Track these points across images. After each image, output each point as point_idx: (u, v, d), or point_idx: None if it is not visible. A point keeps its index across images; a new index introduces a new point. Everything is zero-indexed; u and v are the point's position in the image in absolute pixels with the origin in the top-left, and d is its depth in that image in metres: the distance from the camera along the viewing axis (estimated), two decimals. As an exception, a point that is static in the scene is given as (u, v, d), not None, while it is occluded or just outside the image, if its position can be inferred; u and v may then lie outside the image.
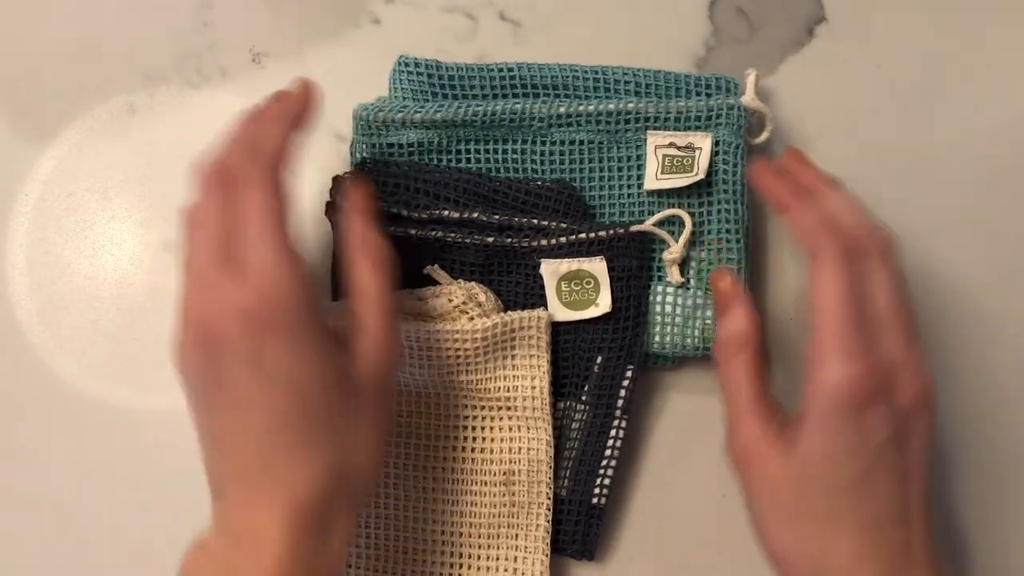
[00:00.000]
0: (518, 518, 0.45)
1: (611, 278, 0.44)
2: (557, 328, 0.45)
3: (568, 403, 0.45)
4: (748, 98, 0.44)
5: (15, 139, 0.49)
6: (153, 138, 0.50)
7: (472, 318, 0.44)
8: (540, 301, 0.45)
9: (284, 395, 0.35)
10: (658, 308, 0.45)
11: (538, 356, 0.44)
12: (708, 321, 0.45)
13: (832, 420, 0.36)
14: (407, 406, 0.46)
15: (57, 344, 0.48)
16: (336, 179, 0.45)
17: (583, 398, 0.45)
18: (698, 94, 0.45)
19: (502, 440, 0.45)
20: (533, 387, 0.44)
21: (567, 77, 0.45)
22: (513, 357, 0.45)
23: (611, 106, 0.44)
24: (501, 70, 0.45)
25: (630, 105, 0.44)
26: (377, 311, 0.39)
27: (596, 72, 0.45)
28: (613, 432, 0.45)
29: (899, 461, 0.37)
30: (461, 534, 0.45)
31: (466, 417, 0.46)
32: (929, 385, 0.37)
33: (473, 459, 0.46)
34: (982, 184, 0.49)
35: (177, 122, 0.50)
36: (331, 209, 0.45)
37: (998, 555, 0.46)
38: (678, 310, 0.45)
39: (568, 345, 0.45)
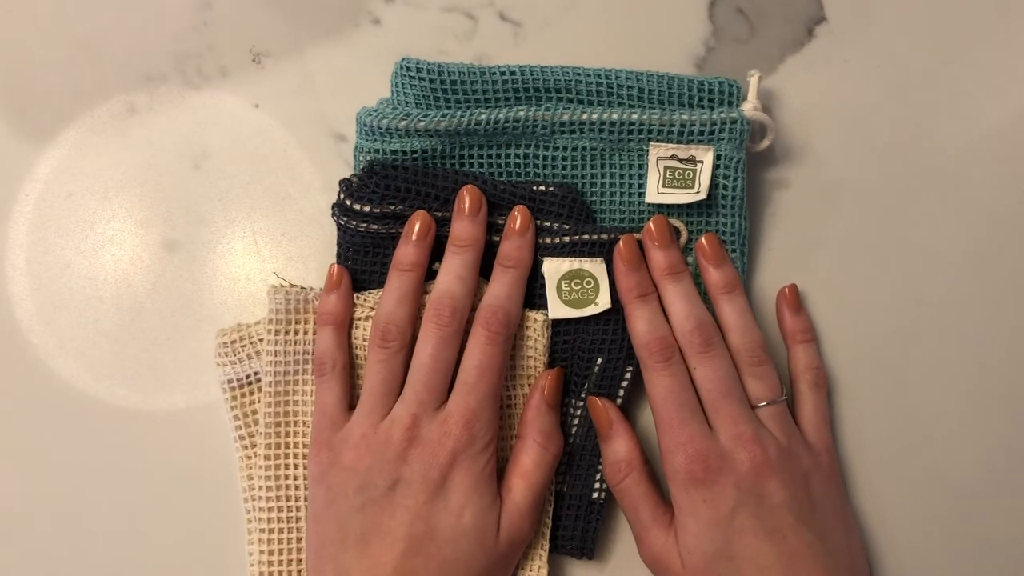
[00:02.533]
0: None
1: (611, 280, 0.44)
2: (557, 328, 0.45)
3: (568, 400, 0.45)
4: (750, 108, 0.44)
5: (15, 139, 0.49)
6: (153, 138, 0.50)
7: None
8: (540, 301, 0.45)
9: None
10: (657, 312, 0.46)
11: (536, 357, 0.44)
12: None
13: (685, 499, 0.41)
14: None
15: (57, 344, 0.48)
16: (344, 182, 0.45)
17: (583, 396, 0.45)
18: (701, 98, 0.45)
19: (501, 439, 0.45)
20: (526, 389, 0.45)
21: (570, 80, 0.45)
22: (512, 358, 0.44)
23: (615, 116, 0.44)
24: (504, 73, 0.45)
25: (634, 116, 0.44)
26: (528, 488, 0.43)
27: (599, 75, 0.45)
28: (612, 429, 0.45)
29: (760, 522, 0.41)
30: None
31: None
32: (759, 455, 0.41)
33: None
34: (983, 183, 0.49)
35: (177, 122, 0.50)
36: (337, 211, 0.45)
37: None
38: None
39: (568, 345, 0.45)
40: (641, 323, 0.43)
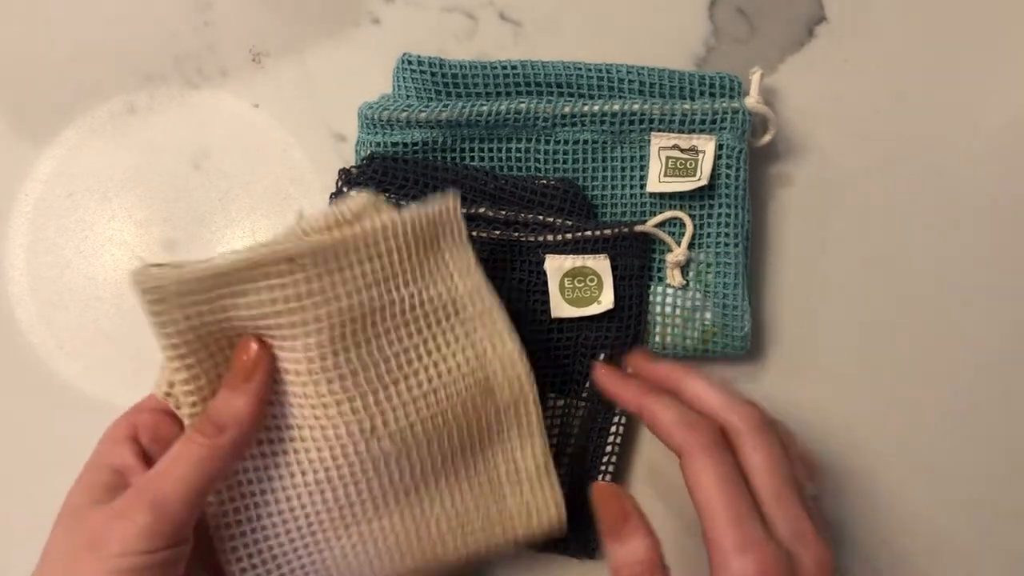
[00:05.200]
0: (506, 416, 0.41)
1: (614, 276, 0.44)
2: (559, 325, 0.45)
3: (569, 400, 0.45)
4: (752, 101, 0.45)
5: (15, 139, 0.49)
6: (153, 138, 0.50)
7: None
8: (542, 297, 0.45)
9: None
10: (658, 309, 0.46)
11: (463, 247, 0.40)
12: (707, 323, 0.45)
13: None
14: (344, 348, 0.38)
15: (57, 344, 0.48)
16: (343, 171, 0.45)
17: (583, 395, 0.45)
18: (702, 93, 0.45)
19: (464, 350, 0.40)
20: (467, 284, 0.40)
21: (571, 75, 0.45)
22: (442, 255, 0.40)
23: (616, 107, 0.44)
24: (505, 68, 0.45)
25: (635, 106, 0.44)
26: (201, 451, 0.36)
27: (600, 70, 0.45)
28: (614, 429, 0.45)
29: None
30: (452, 456, 0.41)
31: (415, 339, 0.40)
32: (825, 555, 0.35)
33: (441, 381, 0.40)
34: (983, 183, 0.49)
35: (177, 122, 0.50)
36: (333, 199, 0.45)
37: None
38: (678, 311, 0.45)
39: (570, 343, 0.45)
40: (667, 412, 0.37)
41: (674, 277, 0.45)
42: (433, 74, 0.45)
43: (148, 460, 0.38)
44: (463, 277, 0.40)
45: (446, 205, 0.39)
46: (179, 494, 0.35)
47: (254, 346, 0.37)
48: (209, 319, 0.36)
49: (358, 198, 0.38)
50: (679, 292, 0.46)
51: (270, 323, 0.37)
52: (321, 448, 0.38)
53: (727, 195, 0.45)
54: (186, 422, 0.38)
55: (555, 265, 0.44)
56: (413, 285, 0.39)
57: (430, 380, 0.40)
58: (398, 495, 0.40)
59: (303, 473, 0.39)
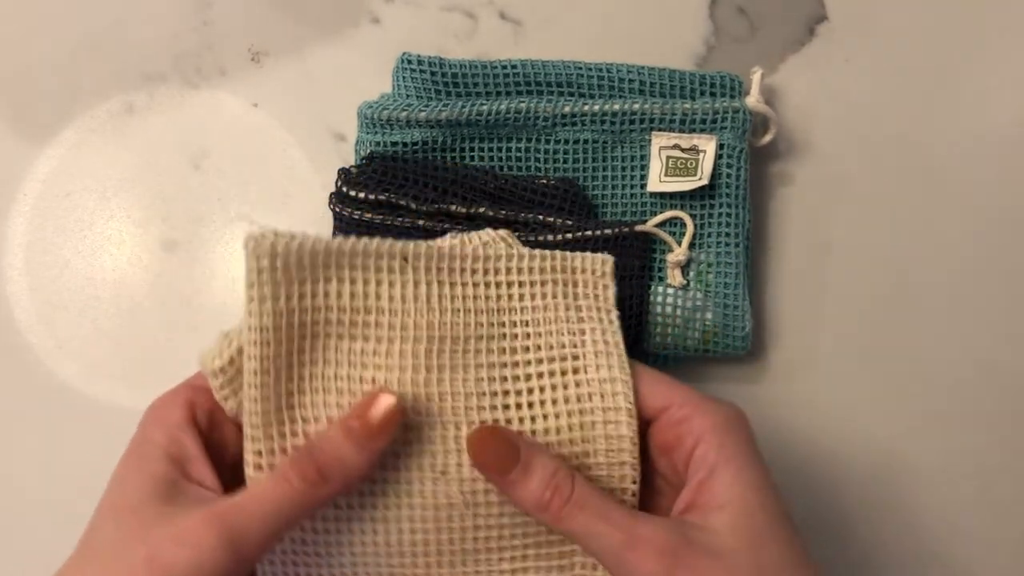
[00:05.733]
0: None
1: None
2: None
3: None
4: (753, 100, 0.45)
5: (14, 139, 0.49)
6: (152, 138, 0.49)
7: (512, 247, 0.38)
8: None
9: None
10: (659, 309, 0.45)
11: (607, 309, 0.38)
12: (708, 323, 0.45)
13: (744, 451, 0.34)
14: (439, 366, 0.36)
15: (56, 344, 0.48)
16: (343, 170, 0.45)
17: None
18: (702, 92, 0.45)
19: (570, 415, 0.37)
20: (607, 341, 0.37)
21: (571, 74, 0.45)
22: (578, 308, 0.38)
23: (616, 106, 0.44)
24: (504, 67, 0.45)
25: (635, 106, 0.44)
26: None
27: (600, 69, 0.45)
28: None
29: None
30: (523, 533, 0.36)
31: (514, 384, 0.36)
32: None
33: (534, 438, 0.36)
34: (984, 183, 0.49)
35: (176, 122, 0.50)
36: (334, 199, 0.45)
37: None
38: (679, 311, 0.45)
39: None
40: None
41: (675, 277, 0.45)
42: (433, 73, 0.45)
43: (208, 451, 0.35)
44: (598, 335, 0.37)
45: (595, 269, 0.38)
46: (259, 535, 0.31)
47: (391, 401, 0.33)
48: (304, 304, 0.34)
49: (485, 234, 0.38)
50: (680, 292, 0.46)
51: (368, 319, 0.35)
52: (387, 477, 0.35)
53: (728, 195, 0.45)
54: (224, 403, 0.35)
55: (555, 265, 0.44)
56: (532, 327, 0.37)
57: (523, 422, 0.36)
58: (442, 566, 0.36)
59: (349, 494, 0.35)
